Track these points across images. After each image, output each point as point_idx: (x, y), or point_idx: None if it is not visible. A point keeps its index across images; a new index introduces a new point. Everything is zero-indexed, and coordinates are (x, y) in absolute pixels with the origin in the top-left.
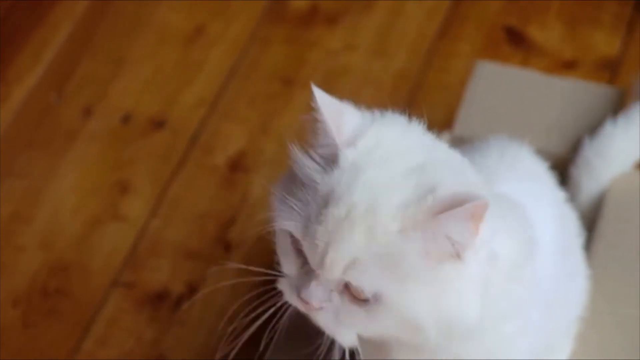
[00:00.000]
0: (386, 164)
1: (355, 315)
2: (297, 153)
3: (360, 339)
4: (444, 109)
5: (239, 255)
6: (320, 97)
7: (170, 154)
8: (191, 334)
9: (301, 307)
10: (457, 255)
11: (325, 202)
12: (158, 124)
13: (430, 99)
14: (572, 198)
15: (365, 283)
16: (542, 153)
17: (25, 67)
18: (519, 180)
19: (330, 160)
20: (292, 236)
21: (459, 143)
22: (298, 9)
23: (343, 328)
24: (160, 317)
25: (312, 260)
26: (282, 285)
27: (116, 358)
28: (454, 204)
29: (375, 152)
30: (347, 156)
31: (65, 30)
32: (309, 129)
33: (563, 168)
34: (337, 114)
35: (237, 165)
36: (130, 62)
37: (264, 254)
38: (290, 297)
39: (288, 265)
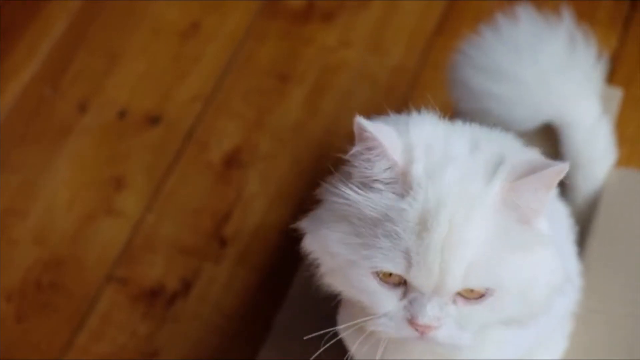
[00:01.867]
0: (449, 159)
1: (477, 314)
2: (352, 194)
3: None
4: (440, 105)
5: (234, 251)
6: (370, 125)
7: (165, 149)
8: (185, 330)
9: (413, 335)
10: (528, 222)
11: (422, 226)
12: (153, 119)
13: (426, 95)
14: (568, 196)
15: (485, 281)
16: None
17: (20, 61)
18: None
19: (396, 182)
20: (379, 275)
21: None
22: (294, 4)
23: (466, 333)
24: (154, 312)
25: (426, 286)
26: (381, 325)
27: (110, 353)
28: (532, 170)
29: (433, 155)
30: (419, 171)
31: (61, 25)
32: (357, 162)
33: None
34: (387, 136)
35: (232, 161)
36: (125, 57)
37: (260, 250)
38: (398, 330)
39: (381, 303)
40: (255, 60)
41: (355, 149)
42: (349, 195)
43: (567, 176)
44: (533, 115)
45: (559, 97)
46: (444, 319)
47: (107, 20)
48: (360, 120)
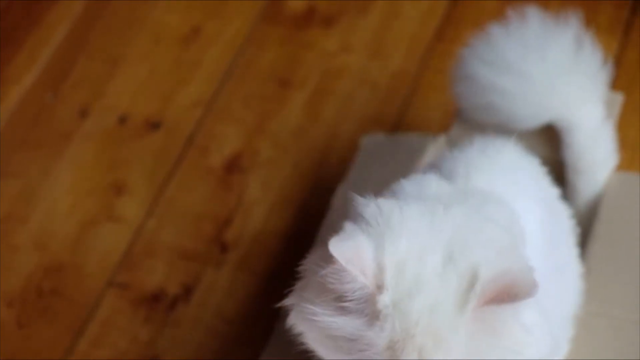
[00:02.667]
0: (419, 285)
1: None
2: (326, 317)
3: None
4: (440, 110)
5: (235, 256)
6: (338, 252)
7: (166, 155)
8: (186, 335)
9: None
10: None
11: (392, 353)
12: (154, 125)
13: (426, 100)
14: (570, 200)
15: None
16: (537, 156)
17: (22, 67)
18: (499, 172)
19: (366, 302)
20: None
21: (456, 145)
22: (294, 10)
23: None
24: (155, 317)
25: None
26: None
27: (111, 358)
28: (500, 291)
29: (403, 280)
30: (386, 302)
31: (62, 31)
32: (331, 280)
33: (560, 171)
34: (358, 259)
35: (233, 166)
36: (126, 63)
37: (260, 255)
38: None
39: None
40: (255, 65)
41: (327, 269)
42: (322, 317)
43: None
44: (537, 113)
45: (564, 97)
46: None
47: (108, 25)
48: (332, 247)
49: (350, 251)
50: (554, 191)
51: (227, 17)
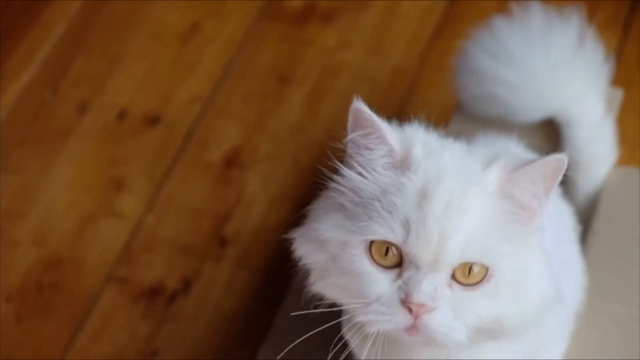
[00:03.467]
0: (446, 147)
1: (472, 302)
2: (353, 174)
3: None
4: (439, 107)
5: (234, 252)
6: (368, 110)
7: (165, 151)
8: (185, 330)
9: (405, 322)
10: (532, 215)
11: (422, 196)
12: (153, 121)
13: (425, 97)
14: (569, 195)
15: (483, 256)
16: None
17: (20, 63)
18: None
19: (394, 167)
20: (373, 257)
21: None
22: (293, 6)
23: (460, 322)
24: (154, 312)
25: (424, 255)
26: (372, 312)
27: (110, 353)
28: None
29: (429, 145)
30: (418, 153)
31: (61, 28)
32: (355, 148)
33: None
34: (384, 123)
35: (232, 162)
36: (125, 59)
37: (259, 250)
38: (390, 316)
39: (374, 285)
40: (254, 61)
41: (353, 135)
42: (349, 175)
43: (568, 170)
44: (538, 106)
45: (565, 89)
46: (438, 300)
47: (107, 22)
48: (359, 105)
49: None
50: (556, 189)
51: (226, 14)
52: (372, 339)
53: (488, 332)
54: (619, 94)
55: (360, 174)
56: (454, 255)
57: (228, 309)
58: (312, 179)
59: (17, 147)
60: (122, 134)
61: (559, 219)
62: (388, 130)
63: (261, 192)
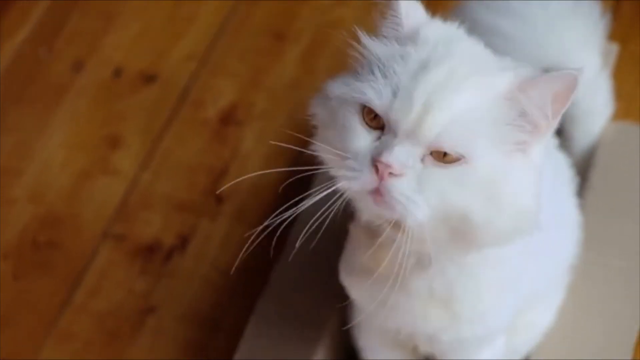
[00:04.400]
0: (470, 41)
1: (439, 179)
2: (370, 41)
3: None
4: None
5: (231, 208)
6: None
7: (160, 108)
8: (182, 286)
9: (372, 184)
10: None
11: (422, 68)
12: (148, 78)
13: None
14: (566, 150)
15: (461, 144)
16: None
17: (15, 22)
18: None
19: (409, 39)
20: (364, 116)
21: None
22: None
23: (421, 197)
24: (151, 269)
25: (404, 121)
26: (343, 169)
27: (107, 310)
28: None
29: (455, 33)
30: (435, 29)
31: None
32: (382, 16)
33: None
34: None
35: (228, 119)
36: (120, 17)
37: (256, 206)
38: (360, 175)
39: (356, 139)
40: (250, 19)
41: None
42: (368, 43)
43: (564, 126)
44: (535, 59)
45: (563, 42)
46: (407, 169)
47: None
48: None
49: None
50: (553, 140)
51: None
52: (374, 284)
53: (455, 231)
54: (614, 49)
55: (376, 40)
56: (431, 131)
57: (224, 265)
58: (308, 135)
59: (12, 105)
60: (117, 92)
61: (556, 170)
62: (407, 12)
63: (257, 149)
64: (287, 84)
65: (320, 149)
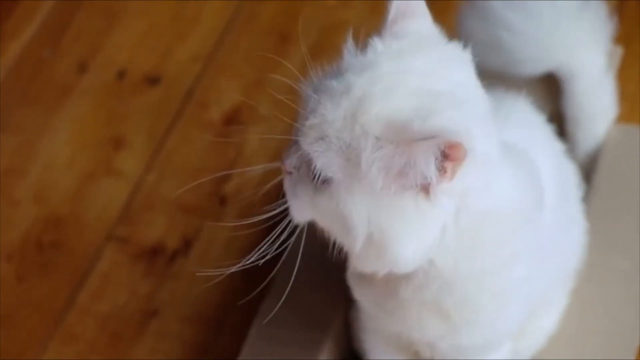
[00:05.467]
0: (409, 73)
1: (305, 190)
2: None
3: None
4: None
5: (234, 210)
6: None
7: (165, 109)
8: (186, 288)
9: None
10: (425, 191)
11: (334, 76)
12: (153, 79)
13: None
14: (570, 153)
15: (321, 161)
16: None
17: (20, 22)
18: (514, 129)
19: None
20: None
21: None
22: None
23: (294, 200)
24: (155, 271)
25: (299, 124)
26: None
27: (110, 312)
28: (430, 136)
29: (408, 56)
30: (377, 45)
31: None
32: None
33: (559, 123)
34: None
35: (232, 120)
36: (124, 18)
37: (260, 208)
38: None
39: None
40: (255, 19)
41: None
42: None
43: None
44: (541, 55)
45: (569, 40)
46: (292, 169)
47: None
48: None
49: None
50: (560, 146)
51: None
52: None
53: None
54: (619, 51)
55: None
56: (307, 139)
57: (229, 266)
58: None
59: (16, 106)
60: (122, 93)
61: (563, 176)
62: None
63: (261, 151)
64: (291, 85)
65: None
